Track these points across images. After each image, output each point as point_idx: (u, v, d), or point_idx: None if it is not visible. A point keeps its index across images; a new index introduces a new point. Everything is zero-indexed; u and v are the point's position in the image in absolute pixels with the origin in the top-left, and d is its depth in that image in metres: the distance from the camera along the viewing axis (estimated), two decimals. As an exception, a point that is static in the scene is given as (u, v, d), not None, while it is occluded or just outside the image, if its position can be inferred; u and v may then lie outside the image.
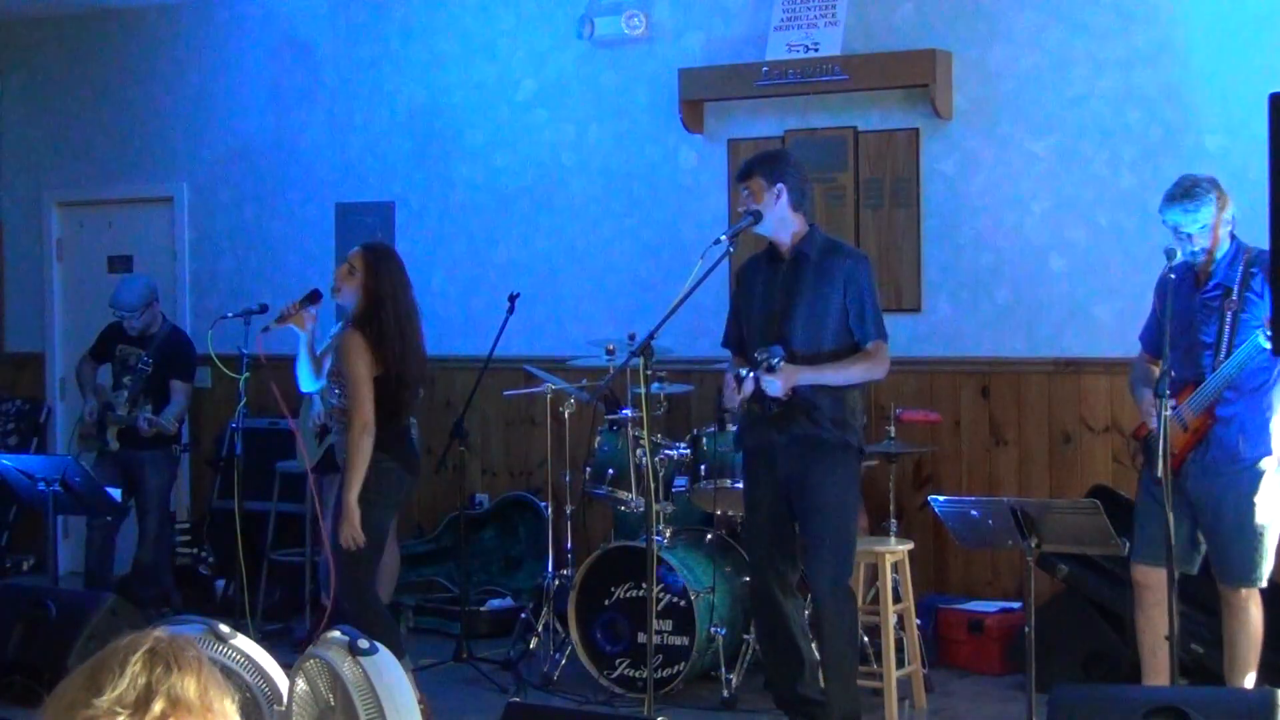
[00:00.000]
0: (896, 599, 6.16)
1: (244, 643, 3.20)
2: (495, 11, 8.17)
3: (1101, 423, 6.71)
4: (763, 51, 7.24)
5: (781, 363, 5.32)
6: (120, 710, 1.89)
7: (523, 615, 6.98)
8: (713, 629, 6.23)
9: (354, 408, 5.57)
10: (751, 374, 5.35)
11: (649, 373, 5.25)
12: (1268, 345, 4.97)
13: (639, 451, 6.31)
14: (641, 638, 6.14)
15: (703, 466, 6.34)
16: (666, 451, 6.45)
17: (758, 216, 5.52)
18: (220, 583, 8.25)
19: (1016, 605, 6.58)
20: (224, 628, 3.21)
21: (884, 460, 6.42)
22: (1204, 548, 5.45)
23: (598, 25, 7.76)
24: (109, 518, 7.44)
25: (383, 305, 5.68)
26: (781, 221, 5.54)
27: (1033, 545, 4.78)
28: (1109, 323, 6.68)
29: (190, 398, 7.94)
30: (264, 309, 6.12)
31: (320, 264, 8.40)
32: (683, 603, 6.25)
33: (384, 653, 3.31)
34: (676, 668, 6.27)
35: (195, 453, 8.90)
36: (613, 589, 6.42)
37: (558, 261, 8.02)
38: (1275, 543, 5.39)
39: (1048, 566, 6.32)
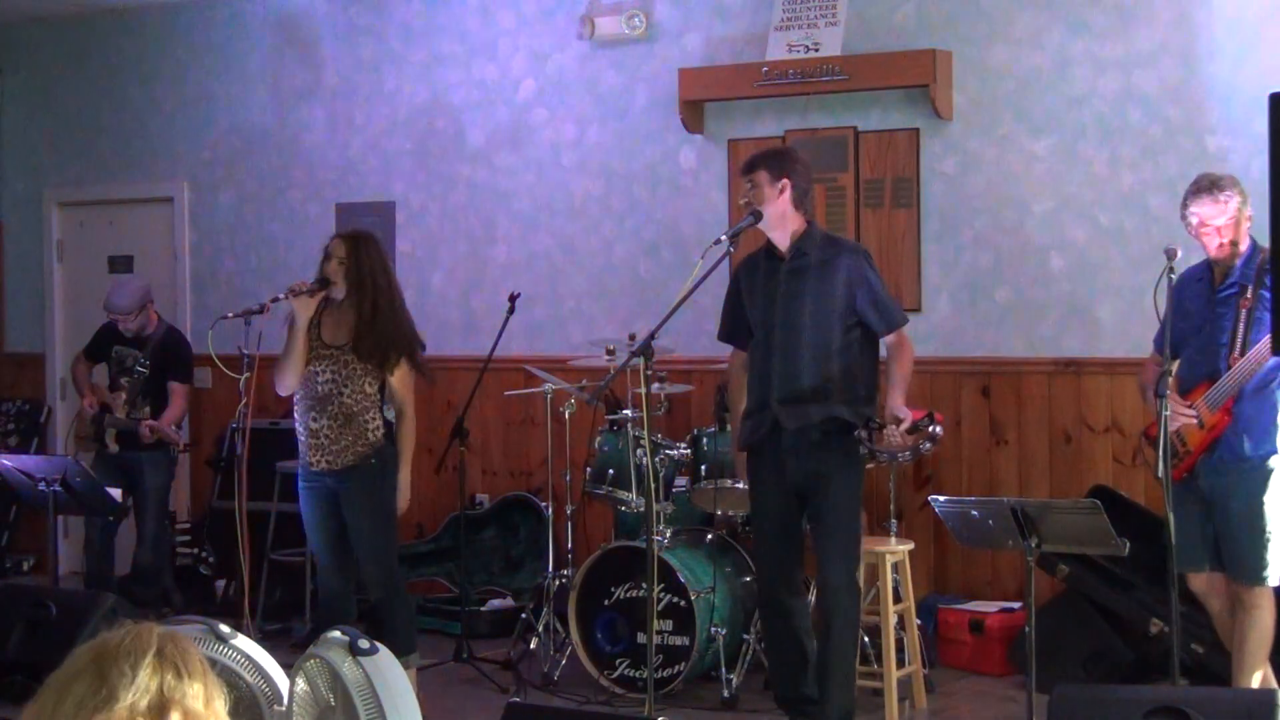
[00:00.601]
0: (897, 599, 6.17)
1: (244, 643, 3.20)
2: (495, 11, 8.17)
3: (1102, 423, 6.71)
4: (763, 51, 7.24)
5: (876, 417, 5.38)
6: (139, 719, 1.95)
7: (523, 615, 6.98)
8: (713, 629, 6.23)
9: (406, 408, 6.07)
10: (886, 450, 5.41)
11: (649, 373, 5.25)
12: None
13: (639, 451, 6.31)
14: (641, 638, 6.14)
15: (703, 466, 6.35)
16: (666, 451, 6.45)
17: (758, 216, 5.52)
18: (220, 583, 8.25)
19: (1017, 605, 6.58)
20: (224, 628, 3.22)
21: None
22: None
23: (598, 25, 7.77)
24: (109, 518, 7.43)
25: (375, 286, 5.93)
26: (781, 218, 5.54)
27: (1033, 545, 4.78)
28: (1109, 323, 6.68)
29: (189, 399, 7.93)
30: (264, 309, 6.12)
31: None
32: (683, 603, 6.25)
33: (384, 653, 3.30)
34: (677, 668, 6.26)
35: (195, 453, 8.90)
36: (613, 589, 6.42)
37: (558, 261, 8.02)
38: None
39: (1048, 566, 6.32)
